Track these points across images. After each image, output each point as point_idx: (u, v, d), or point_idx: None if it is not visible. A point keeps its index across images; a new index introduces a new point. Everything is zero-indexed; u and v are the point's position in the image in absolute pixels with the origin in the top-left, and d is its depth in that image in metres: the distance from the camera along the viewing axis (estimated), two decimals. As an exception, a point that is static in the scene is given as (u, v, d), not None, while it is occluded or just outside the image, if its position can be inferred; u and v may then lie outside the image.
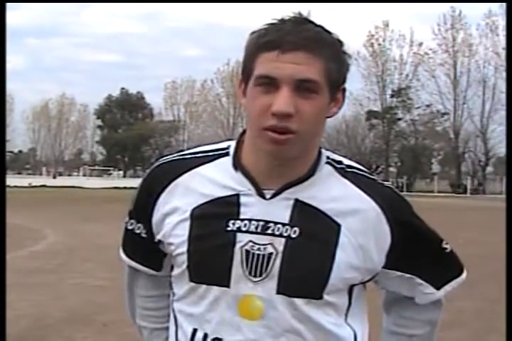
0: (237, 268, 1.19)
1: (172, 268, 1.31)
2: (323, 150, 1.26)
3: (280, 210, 1.20)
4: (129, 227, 1.35)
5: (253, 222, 1.20)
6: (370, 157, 56.31)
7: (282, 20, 1.16)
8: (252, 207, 1.20)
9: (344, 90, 1.22)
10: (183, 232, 1.23)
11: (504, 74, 44.12)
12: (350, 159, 1.31)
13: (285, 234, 1.19)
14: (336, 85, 1.18)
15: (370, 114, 56.06)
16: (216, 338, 1.22)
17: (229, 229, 1.20)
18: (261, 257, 1.19)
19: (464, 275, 1.37)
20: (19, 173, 64.01)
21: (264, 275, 1.19)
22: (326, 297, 1.20)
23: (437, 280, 1.33)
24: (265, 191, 1.21)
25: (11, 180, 39.73)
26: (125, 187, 38.36)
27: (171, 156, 1.32)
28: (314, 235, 1.19)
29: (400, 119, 56.40)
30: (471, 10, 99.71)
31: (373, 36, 56.03)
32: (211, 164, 1.26)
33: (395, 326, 1.39)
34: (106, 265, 7.85)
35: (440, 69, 54.26)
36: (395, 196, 1.27)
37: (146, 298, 1.41)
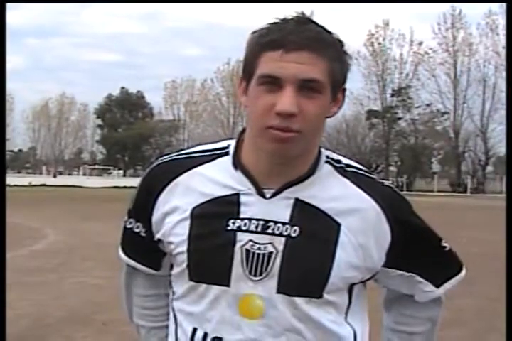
0: (237, 268, 1.20)
1: (171, 267, 1.30)
2: (322, 150, 1.26)
3: (280, 209, 1.20)
4: (128, 226, 1.35)
5: (253, 221, 1.20)
6: (370, 156, 56.24)
7: (284, 20, 1.16)
8: (252, 207, 1.20)
9: (344, 90, 1.23)
10: (183, 231, 1.23)
11: (504, 73, 44.11)
12: (349, 158, 1.31)
13: (285, 234, 1.19)
14: (338, 85, 1.19)
15: (370, 114, 55.98)
16: (216, 337, 1.22)
17: (229, 228, 1.20)
18: (261, 256, 1.19)
19: (463, 273, 1.38)
20: (19, 172, 64.01)
21: (264, 275, 1.19)
22: (326, 296, 1.20)
23: (437, 278, 1.34)
24: (265, 190, 1.21)
25: (11, 179, 39.75)
26: (125, 187, 38.28)
27: (170, 155, 1.32)
28: (314, 234, 1.19)
29: (400, 118, 56.33)
30: (471, 9, 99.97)
31: (373, 35, 55.96)
32: (211, 163, 1.26)
33: (396, 324, 1.40)
34: (106, 264, 7.83)
35: (440, 69, 54.28)
36: (394, 195, 1.27)
37: (144, 297, 1.41)
